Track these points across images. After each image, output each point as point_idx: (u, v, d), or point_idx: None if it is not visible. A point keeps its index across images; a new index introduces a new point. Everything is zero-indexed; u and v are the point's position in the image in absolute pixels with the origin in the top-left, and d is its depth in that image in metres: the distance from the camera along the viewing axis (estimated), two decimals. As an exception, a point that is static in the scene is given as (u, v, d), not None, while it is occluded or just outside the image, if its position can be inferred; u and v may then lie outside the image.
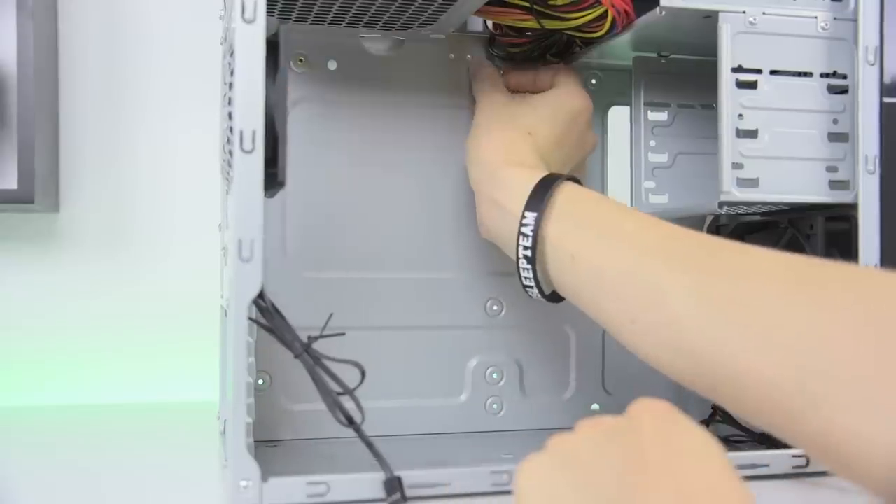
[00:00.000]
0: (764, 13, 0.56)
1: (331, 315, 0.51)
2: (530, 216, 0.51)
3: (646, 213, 0.64)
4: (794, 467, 0.55)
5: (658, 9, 0.55)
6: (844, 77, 0.57)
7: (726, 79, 0.55)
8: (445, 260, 0.64)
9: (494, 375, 0.65)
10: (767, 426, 0.41)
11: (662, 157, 0.67)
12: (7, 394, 0.78)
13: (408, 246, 0.64)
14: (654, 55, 0.67)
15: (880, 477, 0.35)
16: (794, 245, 0.61)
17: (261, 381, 0.60)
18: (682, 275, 0.44)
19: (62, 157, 0.80)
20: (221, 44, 0.56)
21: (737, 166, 0.55)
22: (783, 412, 0.39)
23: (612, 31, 0.57)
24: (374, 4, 0.55)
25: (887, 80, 0.81)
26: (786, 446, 0.53)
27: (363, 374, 0.48)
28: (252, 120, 0.45)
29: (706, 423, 0.63)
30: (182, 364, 0.81)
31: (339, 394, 0.48)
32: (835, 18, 0.56)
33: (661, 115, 0.67)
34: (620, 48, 0.65)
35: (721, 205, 0.55)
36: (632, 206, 0.66)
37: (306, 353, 0.48)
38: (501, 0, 0.55)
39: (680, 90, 0.67)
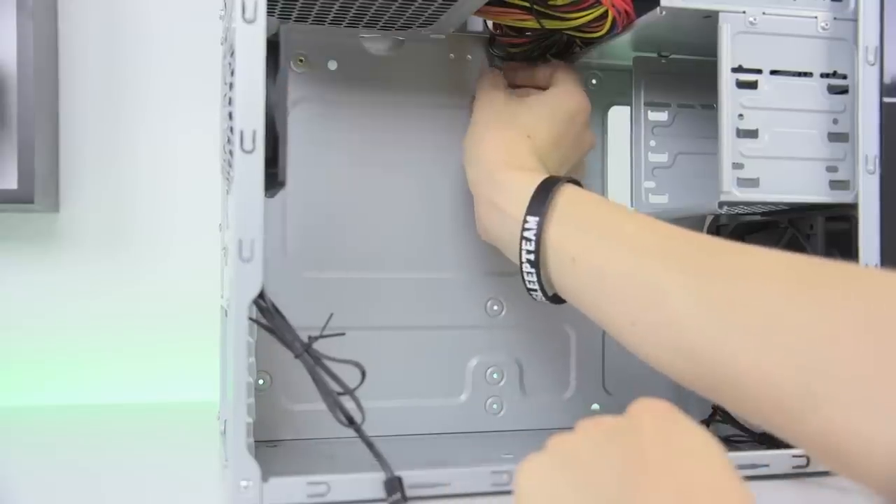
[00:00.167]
0: (764, 13, 0.56)
1: (331, 315, 0.51)
2: (532, 220, 0.51)
3: (646, 213, 0.64)
4: (794, 467, 0.55)
5: (658, 9, 0.55)
6: (844, 77, 0.57)
7: (726, 79, 0.55)
8: (445, 260, 0.64)
9: (494, 375, 0.65)
10: (768, 425, 0.41)
11: (662, 157, 0.67)
12: (7, 394, 0.78)
13: (408, 246, 0.64)
14: (655, 55, 0.67)
15: (881, 476, 0.35)
16: (795, 245, 0.61)
17: (261, 381, 0.60)
18: (681, 275, 0.44)
19: (62, 157, 0.80)
20: (221, 44, 0.56)
21: (737, 166, 0.55)
22: (783, 412, 0.39)
23: (613, 31, 0.57)
24: (374, 4, 0.55)
25: (887, 80, 0.81)
26: (786, 446, 0.53)
27: (363, 374, 0.48)
28: (252, 120, 0.45)
29: (706, 423, 0.63)
30: (182, 364, 0.81)
31: (339, 394, 0.48)
32: (835, 18, 0.56)
33: (661, 115, 0.67)
34: (620, 48, 0.65)
35: (721, 205, 0.55)
36: (632, 206, 0.66)
37: (306, 353, 0.48)
38: (501, 0, 0.55)
39: (680, 90, 0.67)
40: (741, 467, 0.53)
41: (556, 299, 0.54)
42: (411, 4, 0.55)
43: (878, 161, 0.56)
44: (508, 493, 0.49)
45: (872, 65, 0.56)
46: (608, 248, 0.48)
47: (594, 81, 0.69)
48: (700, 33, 0.57)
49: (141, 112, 0.82)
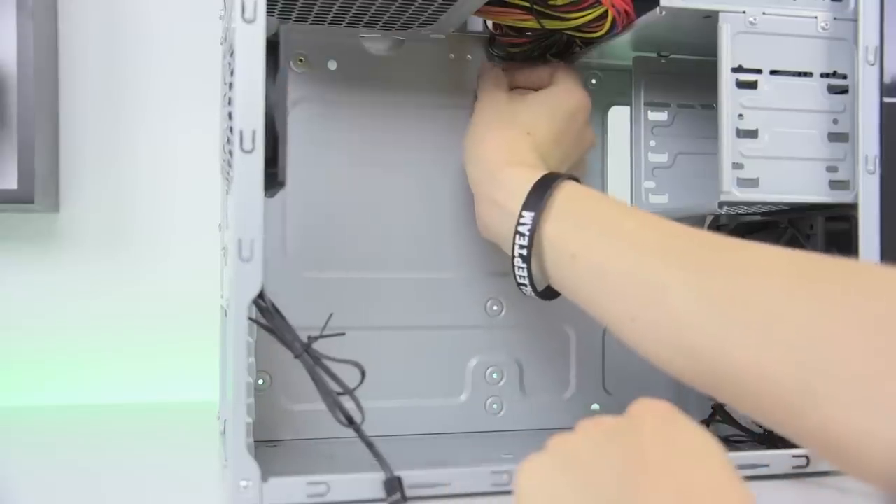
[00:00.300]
0: (764, 13, 0.56)
1: (331, 315, 0.51)
2: (528, 215, 0.51)
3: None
4: (794, 467, 0.55)
5: (658, 9, 0.55)
6: (844, 77, 0.57)
7: (726, 79, 0.55)
8: (445, 260, 0.64)
9: (494, 375, 0.65)
10: (768, 422, 0.41)
11: (662, 157, 0.67)
12: (7, 394, 0.79)
13: (408, 246, 0.64)
14: (654, 55, 0.67)
15: (881, 472, 0.35)
16: (795, 245, 0.61)
17: (261, 381, 0.60)
18: (682, 272, 0.44)
19: (62, 157, 0.80)
20: (221, 44, 0.56)
21: (737, 166, 0.55)
22: (783, 408, 0.39)
23: (612, 31, 0.57)
24: (374, 4, 0.55)
25: (887, 80, 0.82)
26: (786, 446, 0.53)
27: (363, 374, 0.48)
28: (252, 120, 0.45)
29: (706, 423, 0.63)
30: (182, 364, 0.81)
31: (339, 394, 0.48)
32: (835, 18, 0.56)
33: (661, 115, 0.67)
34: (620, 48, 0.65)
35: (721, 205, 0.55)
36: (632, 206, 0.66)
37: (306, 353, 0.48)
38: (501, 0, 0.55)
39: (680, 90, 0.67)
40: (741, 467, 0.53)
41: (546, 294, 0.54)
42: (411, 4, 0.55)
43: (878, 161, 0.56)
44: (508, 493, 0.49)
45: (872, 65, 0.56)
46: (608, 244, 0.48)
47: (594, 81, 0.69)
48: (700, 33, 0.57)
49: (141, 112, 0.82)
